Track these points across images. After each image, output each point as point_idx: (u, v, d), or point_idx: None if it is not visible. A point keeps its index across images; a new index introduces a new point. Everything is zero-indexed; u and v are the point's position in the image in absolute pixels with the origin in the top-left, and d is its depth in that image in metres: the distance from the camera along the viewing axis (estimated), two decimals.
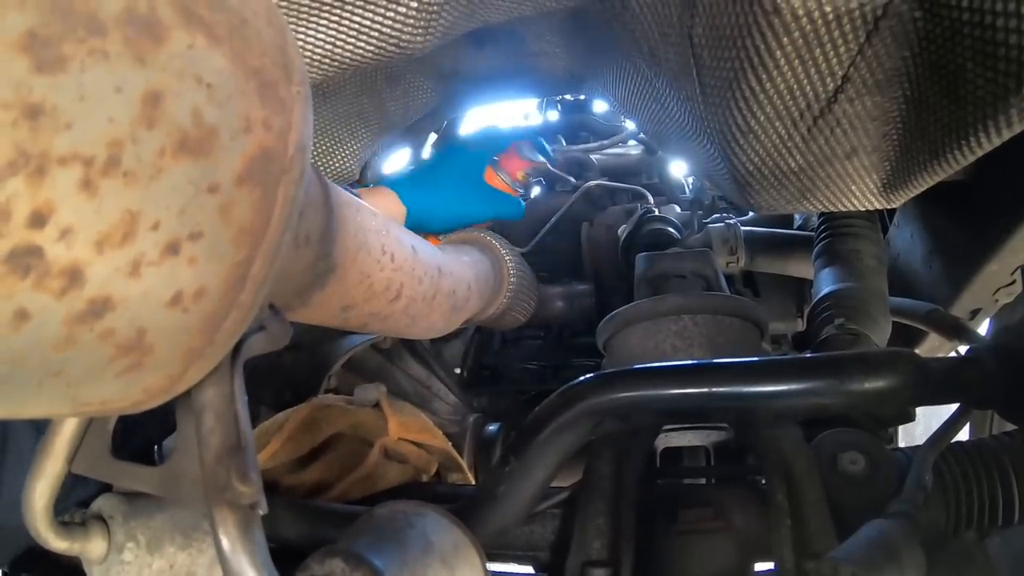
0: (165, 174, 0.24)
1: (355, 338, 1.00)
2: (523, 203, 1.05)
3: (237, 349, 0.37)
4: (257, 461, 0.35)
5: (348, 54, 0.65)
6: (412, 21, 0.63)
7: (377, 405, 0.75)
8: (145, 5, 0.22)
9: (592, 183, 1.30)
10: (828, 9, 0.53)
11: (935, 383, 0.53)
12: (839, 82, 0.59)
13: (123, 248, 0.24)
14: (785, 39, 0.55)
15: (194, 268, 0.27)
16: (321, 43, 0.64)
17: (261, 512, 0.34)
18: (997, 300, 0.84)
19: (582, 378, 0.54)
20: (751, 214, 1.23)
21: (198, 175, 0.25)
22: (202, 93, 0.24)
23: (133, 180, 0.23)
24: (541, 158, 1.03)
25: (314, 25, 0.63)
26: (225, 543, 0.32)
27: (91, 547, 0.48)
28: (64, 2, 0.20)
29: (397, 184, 0.92)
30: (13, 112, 0.19)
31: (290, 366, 0.98)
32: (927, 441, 0.55)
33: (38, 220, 0.21)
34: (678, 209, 1.28)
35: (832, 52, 0.56)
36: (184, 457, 0.37)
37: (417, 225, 0.93)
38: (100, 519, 0.50)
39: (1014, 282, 0.81)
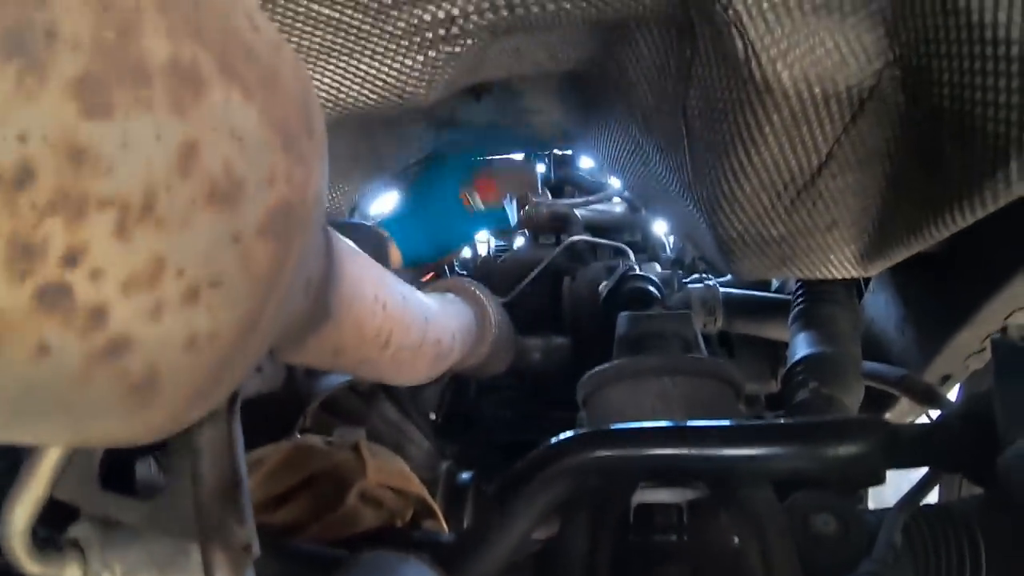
0: (194, 222, 0.25)
1: (333, 378, 1.00)
2: (509, 213, 1.06)
3: (235, 392, 0.37)
4: (251, 503, 0.35)
5: (352, 100, 0.67)
6: (417, 74, 0.65)
7: (355, 448, 0.75)
8: (188, 58, 0.23)
9: (575, 238, 1.32)
10: (817, 90, 0.55)
11: (905, 449, 0.54)
12: (823, 158, 0.61)
13: (148, 291, 0.24)
14: (775, 116, 0.57)
15: (211, 314, 0.27)
16: (327, 87, 0.66)
17: (254, 555, 0.34)
18: (967, 367, 0.86)
19: (568, 434, 0.55)
20: (730, 276, 1.26)
21: (224, 225, 0.26)
22: (234, 146, 0.25)
23: (164, 227, 0.24)
24: (522, 188, 1.03)
25: (321, 69, 0.65)
26: None
27: (66, 574, 0.47)
28: (115, 49, 0.21)
29: (387, 227, 0.94)
30: (59, 154, 0.20)
31: (266, 403, 0.98)
32: (897, 503, 0.56)
33: (71, 259, 0.21)
34: (658, 268, 1.31)
35: (819, 130, 0.58)
36: (177, 494, 0.37)
37: (412, 261, 0.95)
38: (76, 546, 0.49)
39: (984, 350, 0.83)
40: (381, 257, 0.90)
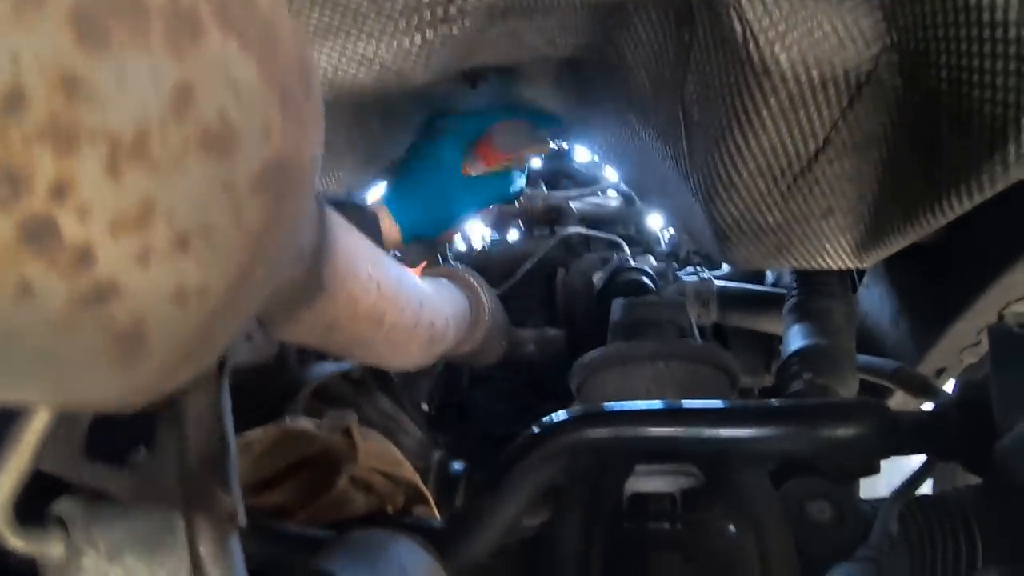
0: (186, 166, 0.24)
1: (326, 365, 1.00)
2: (516, 178, 1.01)
3: (223, 357, 0.37)
4: (238, 472, 0.35)
5: (348, 81, 0.67)
6: (414, 55, 0.65)
7: (347, 432, 0.74)
8: (188, 0, 0.23)
9: (570, 230, 1.32)
10: (815, 73, 0.55)
11: (903, 434, 0.54)
12: (820, 143, 0.61)
13: (136, 235, 0.24)
14: (772, 100, 0.57)
15: (200, 265, 0.27)
16: (323, 68, 0.66)
17: (240, 524, 0.33)
18: (962, 359, 0.86)
19: (561, 414, 0.55)
20: (724, 269, 1.26)
21: (216, 173, 0.26)
22: (230, 94, 0.25)
23: (156, 167, 0.23)
24: (527, 144, 0.97)
25: (317, 50, 0.65)
26: (203, 552, 0.32)
27: (49, 549, 0.47)
28: None
29: (388, 202, 0.93)
30: (52, 80, 0.19)
31: (257, 387, 0.97)
32: (894, 492, 0.56)
33: (58, 192, 0.21)
34: (653, 260, 1.31)
35: (816, 114, 0.58)
36: (162, 462, 0.36)
37: (415, 236, 0.93)
38: (60, 521, 0.48)
39: (979, 342, 0.83)
40: (372, 234, 0.89)
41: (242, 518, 0.33)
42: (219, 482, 0.33)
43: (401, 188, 0.97)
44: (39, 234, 0.21)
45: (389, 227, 0.94)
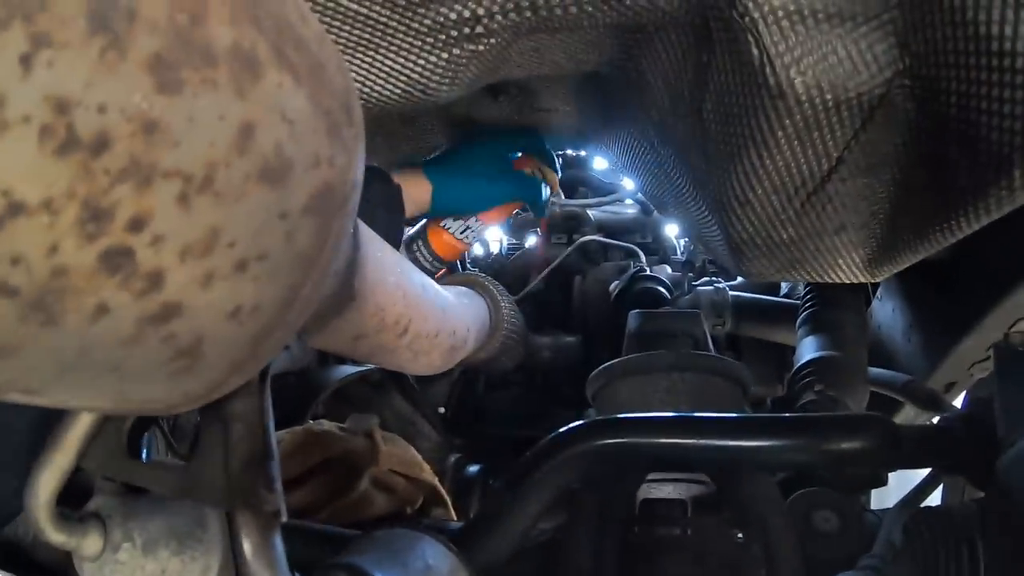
0: (247, 198, 0.26)
1: (346, 368, 1.02)
2: (544, 189, 1.08)
3: (266, 365, 0.39)
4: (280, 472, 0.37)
5: (376, 95, 0.69)
6: (440, 71, 0.67)
7: (369, 434, 0.77)
8: (248, 43, 0.25)
9: (587, 238, 1.34)
10: (829, 96, 0.57)
11: (907, 447, 0.56)
12: (833, 163, 0.63)
13: (202, 260, 0.26)
14: (787, 121, 0.59)
15: (256, 286, 0.29)
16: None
17: (282, 519, 0.36)
18: (972, 374, 0.87)
19: (580, 421, 0.57)
20: (739, 279, 1.27)
21: (273, 202, 0.28)
22: (285, 128, 0.27)
23: (221, 200, 0.25)
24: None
25: (347, 64, 0.67)
26: (247, 547, 0.34)
27: (87, 544, 0.49)
28: (186, 31, 0.22)
29: (428, 167, 0.97)
30: (134, 125, 0.22)
31: (279, 390, 0.99)
32: (898, 503, 0.57)
33: (136, 225, 0.23)
34: (669, 270, 1.32)
35: (829, 135, 0.60)
36: (207, 462, 0.38)
37: (443, 206, 0.98)
38: (97, 517, 0.51)
39: (988, 358, 0.84)
40: (394, 205, 0.90)
41: (284, 514, 0.36)
42: (263, 480, 0.35)
43: (448, 159, 1.01)
44: (117, 261, 0.23)
45: (420, 193, 0.95)
